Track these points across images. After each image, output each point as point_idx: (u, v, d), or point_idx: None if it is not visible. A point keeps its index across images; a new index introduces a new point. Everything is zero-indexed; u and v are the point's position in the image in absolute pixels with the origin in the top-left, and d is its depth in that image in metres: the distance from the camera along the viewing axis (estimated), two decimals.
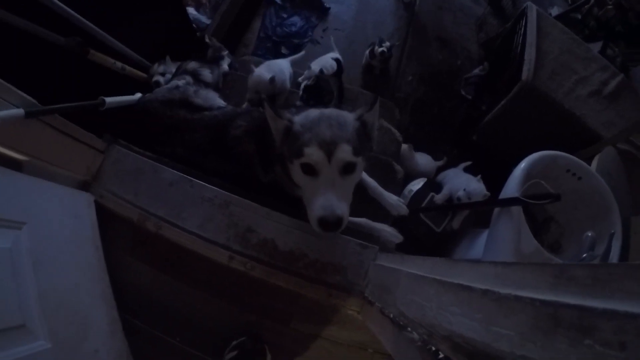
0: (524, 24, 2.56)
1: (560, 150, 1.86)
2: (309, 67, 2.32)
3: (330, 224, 1.09)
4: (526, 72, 2.26)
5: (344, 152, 1.12)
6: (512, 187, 1.69)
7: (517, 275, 0.55)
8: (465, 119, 2.92)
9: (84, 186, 1.54)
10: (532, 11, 2.57)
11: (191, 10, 2.89)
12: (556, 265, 0.48)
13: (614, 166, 2.15)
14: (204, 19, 2.82)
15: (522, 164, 1.74)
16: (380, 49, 2.69)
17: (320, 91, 2.08)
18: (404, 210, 1.76)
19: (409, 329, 0.85)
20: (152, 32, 2.21)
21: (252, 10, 3.14)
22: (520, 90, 2.28)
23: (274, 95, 2.15)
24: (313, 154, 1.11)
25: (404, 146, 2.54)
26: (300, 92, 2.14)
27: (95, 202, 1.52)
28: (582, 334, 0.38)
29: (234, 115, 1.63)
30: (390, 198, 1.76)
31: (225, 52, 2.42)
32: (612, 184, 1.88)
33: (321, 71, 2.20)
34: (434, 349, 0.70)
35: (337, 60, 2.49)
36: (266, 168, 1.51)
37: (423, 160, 2.59)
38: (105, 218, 1.51)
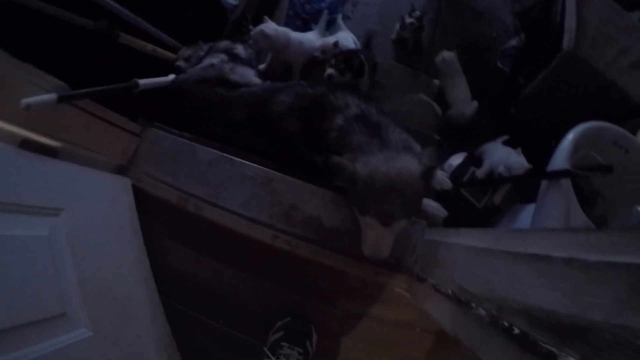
0: None
1: (607, 121, 1.80)
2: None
3: (377, 261, 1.21)
4: (567, 41, 2.15)
5: (400, 226, 1.16)
6: (560, 158, 1.62)
7: (605, 240, 0.51)
8: (502, 92, 2.81)
9: (121, 170, 1.53)
10: None
11: None
12: None
13: None
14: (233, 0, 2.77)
15: (570, 135, 1.66)
16: (410, 20, 2.59)
17: (343, 65, 2.01)
18: (447, 184, 1.71)
19: (473, 304, 0.81)
20: (183, 14, 2.18)
21: None
22: (562, 60, 2.18)
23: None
24: (372, 223, 1.16)
25: (447, 54, 2.51)
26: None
27: (133, 185, 1.50)
28: None
29: (275, 91, 1.57)
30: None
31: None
32: None
33: (335, 44, 2.17)
34: (506, 324, 0.66)
35: (369, 34, 2.47)
36: (311, 148, 1.46)
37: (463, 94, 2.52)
38: (144, 201, 1.49)
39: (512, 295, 0.67)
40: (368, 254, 1.20)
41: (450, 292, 0.96)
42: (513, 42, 3.03)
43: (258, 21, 2.17)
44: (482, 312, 0.76)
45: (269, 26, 2.09)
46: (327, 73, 2.02)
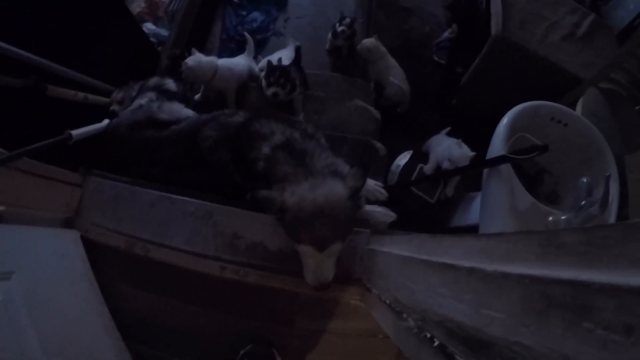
0: None
1: (545, 97, 1.83)
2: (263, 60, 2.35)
3: (322, 286, 1.21)
4: (494, 26, 2.22)
5: (336, 249, 1.17)
6: (497, 145, 1.65)
7: (502, 248, 0.51)
8: (442, 85, 2.89)
9: (67, 223, 1.52)
10: None
11: (149, 25, 2.85)
12: (542, 233, 0.42)
13: (599, 107, 2.11)
14: (163, 32, 2.78)
15: (504, 120, 1.70)
16: (341, 28, 2.62)
17: (283, 79, 2.05)
18: (382, 195, 1.73)
19: (404, 315, 0.82)
20: (112, 55, 2.18)
21: (211, 14, 3.09)
22: (492, 45, 2.25)
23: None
24: (308, 251, 1.17)
25: (368, 40, 2.54)
26: (263, 83, 2.11)
27: (81, 236, 1.49)
28: (579, 315, 0.32)
29: (200, 125, 1.59)
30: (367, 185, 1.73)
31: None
32: (600, 124, 1.84)
33: (279, 60, 2.16)
34: (428, 335, 0.66)
35: (296, 48, 2.48)
36: (244, 176, 1.47)
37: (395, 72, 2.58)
38: (94, 250, 1.49)
39: (430, 305, 0.67)
40: (312, 282, 1.21)
41: (388, 302, 0.98)
42: (446, 34, 3.10)
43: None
44: (411, 322, 0.77)
45: (194, 58, 2.10)
46: (270, 92, 2.05)
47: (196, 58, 2.10)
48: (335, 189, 1.17)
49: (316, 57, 2.87)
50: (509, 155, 1.57)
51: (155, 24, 2.90)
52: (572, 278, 0.34)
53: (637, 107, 2.16)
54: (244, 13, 3.08)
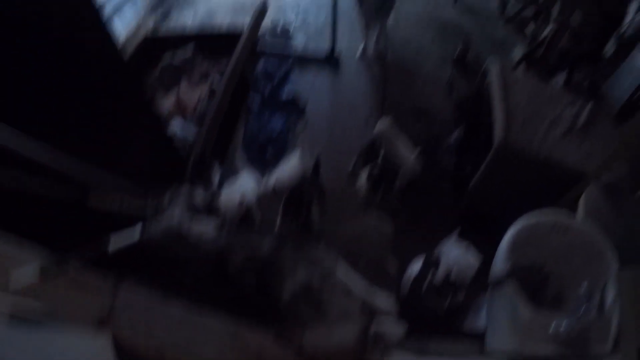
0: (489, 82, 2.68)
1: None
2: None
3: None
4: (498, 133, 2.35)
5: None
6: (500, 261, 1.75)
7: None
8: (452, 187, 3.02)
9: (99, 329, 1.58)
10: (495, 67, 2.71)
11: (177, 123, 3.03)
12: None
13: (600, 204, 2.19)
14: (191, 131, 2.95)
15: (506, 238, 1.81)
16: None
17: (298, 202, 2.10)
18: (397, 330, 1.80)
19: None
20: (139, 160, 2.27)
21: (234, 118, 3.29)
22: (497, 152, 2.37)
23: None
24: None
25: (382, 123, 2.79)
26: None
27: (112, 343, 1.56)
28: None
29: (229, 246, 1.71)
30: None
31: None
32: (602, 221, 1.93)
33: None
34: None
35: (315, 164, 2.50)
36: (268, 304, 1.56)
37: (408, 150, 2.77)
38: (124, 357, 1.55)
39: None
40: None
41: None
42: (455, 134, 3.25)
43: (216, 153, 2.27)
44: None
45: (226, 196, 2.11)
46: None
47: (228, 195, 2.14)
48: (347, 334, 1.26)
49: (334, 164, 3.00)
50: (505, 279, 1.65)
51: (184, 118, 3.06)
52: None
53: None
54: (265, 120, 3.31)
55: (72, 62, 1.68)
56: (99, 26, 1.80)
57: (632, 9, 3.81)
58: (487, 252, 2.03)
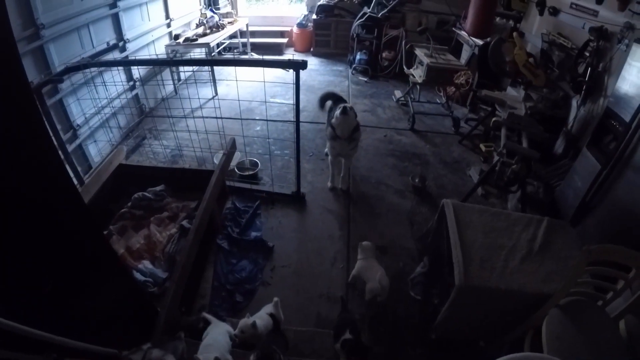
0: (445, 222, 2.84)
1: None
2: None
3: None
4: (457, 275, 2.41)
5: None
6: None
7: None
8: (420, 320, 3.02)
9: None
10: (449, 208, 2.88)
11: (147, 264, 2.99)
12: None
13: (563, 327, 2.20)
14: (160, 273, 2.94)
15: None
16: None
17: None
18: None
19: None
20: (107, 316, 2.19)
21: (203, 260, 3.34)
22: (457, 294, 2.44)
23: None
24: None
25: (365, 243, 3.10)
26: None
27: None
28: None
29: None
30: None
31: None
32: (566, 345, 1.98)
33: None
34: None
35: (271, 315, 2.60)
36: None
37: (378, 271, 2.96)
38: None
39: None
40: None
41: None
42: (419, 268, 3.34)
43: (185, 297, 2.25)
44: None
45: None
46: None
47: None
48: None
49: (301, 308, 3.04)
50: None
51: (152, 263, 3.04)
52: None
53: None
54: (234, 261, 3.35)
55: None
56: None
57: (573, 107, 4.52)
58: None
